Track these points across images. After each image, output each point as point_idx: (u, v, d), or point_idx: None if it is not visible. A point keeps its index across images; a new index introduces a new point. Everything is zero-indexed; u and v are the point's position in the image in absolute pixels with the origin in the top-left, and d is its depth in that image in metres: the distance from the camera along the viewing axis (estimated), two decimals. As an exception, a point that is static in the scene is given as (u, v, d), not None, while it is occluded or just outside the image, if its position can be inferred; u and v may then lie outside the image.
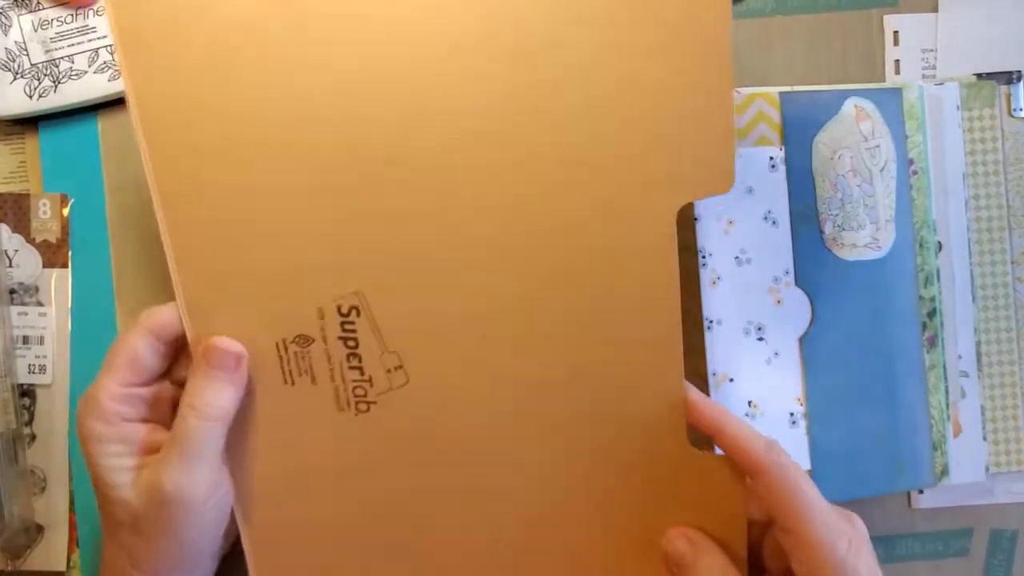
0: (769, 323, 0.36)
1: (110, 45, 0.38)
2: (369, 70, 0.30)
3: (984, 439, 0.39)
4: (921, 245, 0.38)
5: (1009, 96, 0.39)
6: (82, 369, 0.38)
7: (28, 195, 0.38)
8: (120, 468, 0.29)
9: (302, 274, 0.30)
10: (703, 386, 0.35)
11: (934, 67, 0.40)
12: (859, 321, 0.37)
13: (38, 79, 0.37)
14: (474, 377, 0.31)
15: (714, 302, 0.35)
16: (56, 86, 0.37)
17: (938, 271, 0.38)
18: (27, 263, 0.38)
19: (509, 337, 0.31)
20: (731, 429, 0.29)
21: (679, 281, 0.30)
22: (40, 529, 0.38)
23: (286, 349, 0.30)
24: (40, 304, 0.38)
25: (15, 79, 0.37)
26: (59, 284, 0.38)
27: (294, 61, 0.30)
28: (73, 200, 0.38)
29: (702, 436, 0.30)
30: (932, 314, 0.38)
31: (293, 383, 0.31)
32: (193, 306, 0.30)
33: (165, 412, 0.31)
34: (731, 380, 0.35)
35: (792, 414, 0.36)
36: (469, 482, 0.32)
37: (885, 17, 0.40)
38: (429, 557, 0.32)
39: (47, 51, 0.37)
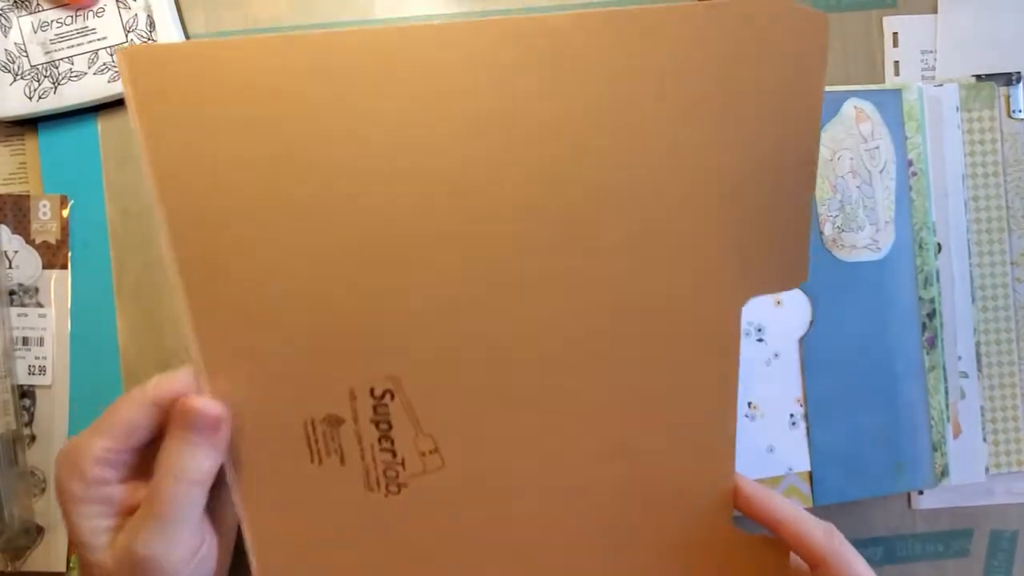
0: (769, 324, 0.36)
1: (110, 47, 0.38)
2: (412, 147, 0.28)
3: (984, 440, 0.39)
4: (921, 246, 0.38)
5: (1008, 97, 0.39)
6: (82, 370, 0.38)
7: (28, 196, 0.38)
8: (97, 529, 0.28)
9: (334, 353, 0.29)
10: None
11: (933, 68, 0.40)
12: (859, 322, 0.37)
13: (38, 80, 0.37)
14: (518, 462, 0.30)
15: (714, 303, 0.35)
16: (56, 87, 0.37)
17: (938, 272, 0.38)
18: (27, 264, 0.38)
19: (558, 425, 0.30)
20: (788, 517, 0.29)
21: (739, 374, 0.30)
22: (40, 530, 0.38)
23: (314, 428, 0.29)
24: (40, 305, 0.38)
25: (15, 80, 0.37)
26: (59, 285, 0.38)
27: (330, 134, 0.27)
28: (73, 201, 0.38)
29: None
30: (932, 315, 0.38)
31: (320, 462, 0.29)
32: (215, 379, 0.28)
33: (150, 469, 0.29)
34: (731, 381, 0.35)
35: (792, 415, 0.36)
36: (505, 564, 0.31)
37: (885, 18, 0.40)
38: None
39: (47, 52, 0.37)
